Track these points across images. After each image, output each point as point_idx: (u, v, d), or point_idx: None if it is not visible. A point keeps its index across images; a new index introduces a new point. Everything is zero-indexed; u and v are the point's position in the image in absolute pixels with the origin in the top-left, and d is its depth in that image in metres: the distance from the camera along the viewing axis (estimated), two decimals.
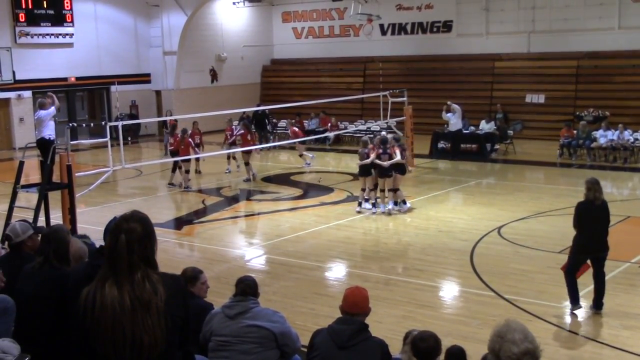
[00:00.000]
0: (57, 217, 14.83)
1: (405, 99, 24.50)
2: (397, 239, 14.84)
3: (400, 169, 16.84)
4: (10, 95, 30.16)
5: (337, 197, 19.01)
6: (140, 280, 3.66)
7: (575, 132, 24.41)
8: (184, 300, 3.87)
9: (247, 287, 5.95)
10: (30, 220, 11.50)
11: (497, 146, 25.39)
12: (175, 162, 20.90)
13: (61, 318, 5.04)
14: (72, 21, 31.81)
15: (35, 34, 30.63)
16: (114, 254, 3.70)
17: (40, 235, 6.07)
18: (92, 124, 28.14)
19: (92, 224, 16.57)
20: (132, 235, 3.71)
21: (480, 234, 14.65)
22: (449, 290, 11.75)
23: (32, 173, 21.79)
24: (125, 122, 23.95)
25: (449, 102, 25.28)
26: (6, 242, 6.74)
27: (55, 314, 5.17)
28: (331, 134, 28.09)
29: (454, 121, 24.98)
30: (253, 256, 14.14)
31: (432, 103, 28.78)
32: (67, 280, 5.03)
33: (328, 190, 19.77)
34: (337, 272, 12.97)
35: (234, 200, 19.47)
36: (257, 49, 37.67)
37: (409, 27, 33.61)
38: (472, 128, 25.88)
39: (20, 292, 5.65)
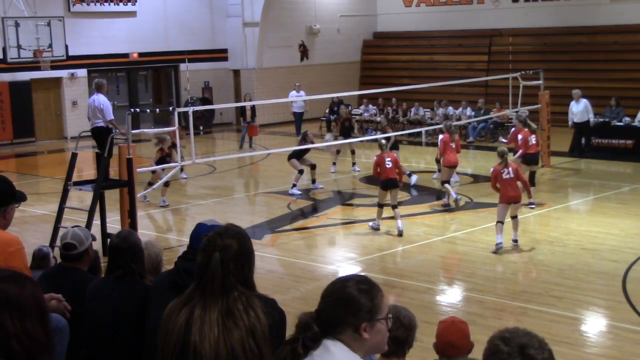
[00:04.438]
0: (114, 221, 15.26)
1: (541, 82, 24.10)
2: (528, 257, 14.62)
3: None
4: (62, 73, 31.22)
5: (453, 203, 18.85)
6: (237, 303, 3.84)
7: None
8: (283, 329, 4.04)
9: None
10: (83, 225, 11.89)
11: None
12: None
13: (141, 338, 5.26)
14: None
15: (92, 1, 31.58)
16: (206, 275, 3.89)
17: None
18: (157, 110, 28.79)
19: (156, 229, 16.99)
20: (227, 253, 3.90)
21: (635, 254, 14.29)
22: (594, 324, 11.51)
23: (86, 167, 22.51)
24: (196, 108, 24.41)
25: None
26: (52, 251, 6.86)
27: (137, 335, 5.36)
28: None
29: (579, 109, 24.37)
30: (348, 273, 14.13)
31: (576, 88, 28.17)
32: (148, 296, 5.27)
33: (442, 194, 19.64)
34: (451, 296, 12.88)
35: (326, 204, 19.58)
36: (357, 20, 37.79)
37: None
38: (627, 119, 25.25)
39: (93, 312, 5.83)
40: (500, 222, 14.67)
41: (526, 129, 18.61)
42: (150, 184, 18.88)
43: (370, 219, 16.76)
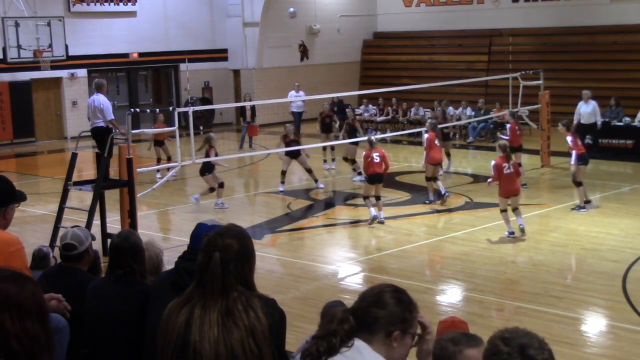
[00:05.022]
0: (114, 221, 15.26)
1: (540, 82, 24.09)
2: (528, 257, 14.61)
3: None
4: (62, 73, 31.21)
5: (454, 203, 18.87)
6: (237, 303, 3.84)
7: None
8: (283, 329, 4.04)
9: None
10: (83, 225, 11.89)
11: None
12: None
13: (141, 338, 5.26)
14: None
15: (92, 1, 31.57)
16: (206, 275, 3.88)
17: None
18: (157, 110, 28.72)
19: (156, 229, 16.99)
20: (227, 253, 3.89)
21: (635, 254, 14.27)
22: (594, 324, 11.51)
23: (86, 167, 22.50)
24: (196, 108, 24.39)
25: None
26: (52, 251, 6.87)
27: (137, 334, 5.37)
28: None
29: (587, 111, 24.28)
30: (348, 274, 14.17)
31: (576, 88, 28.19)
32: (148, 295, 5.29)
33: (442, 194, 19.65)
34: (451, 296, 12.87)
35: (325, 204, 19.58)
36: (357, 20, 37.78)
37: None
38: (627, 119, 25.23)
39: (94, 311, 5.84)
40: (504, 210, 15.49)
41: (569, 132, 18.33)
42: (212, 189, 18.92)
43: (368, 218, 16.78)
